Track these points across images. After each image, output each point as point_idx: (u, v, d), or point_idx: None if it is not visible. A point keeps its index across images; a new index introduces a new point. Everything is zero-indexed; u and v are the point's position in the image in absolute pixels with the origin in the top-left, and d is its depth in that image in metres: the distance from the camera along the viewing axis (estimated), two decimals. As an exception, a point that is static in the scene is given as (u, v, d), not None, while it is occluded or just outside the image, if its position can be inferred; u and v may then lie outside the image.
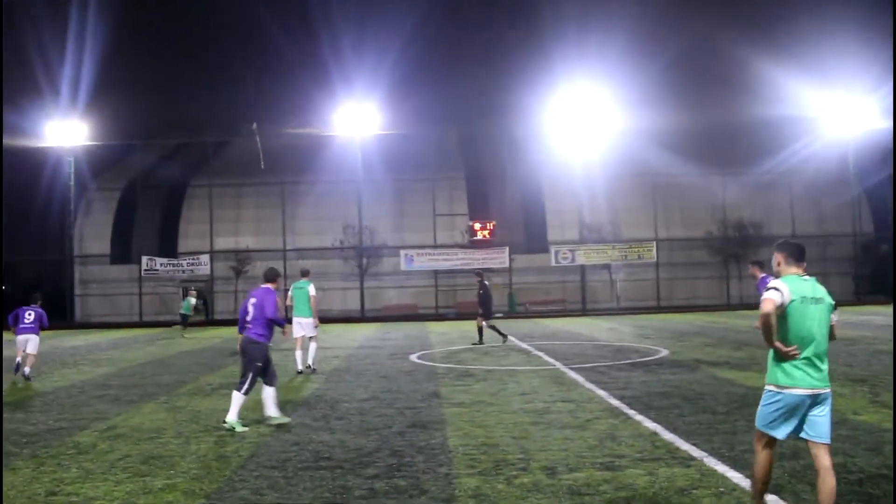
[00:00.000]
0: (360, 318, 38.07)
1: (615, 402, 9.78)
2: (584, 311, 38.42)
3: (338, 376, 13.69)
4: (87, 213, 42.70)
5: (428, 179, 40.65)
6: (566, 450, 7.21)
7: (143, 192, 42.87)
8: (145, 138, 42.83)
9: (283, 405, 10.33)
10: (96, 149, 40.98)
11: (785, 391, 4.77)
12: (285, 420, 9.03)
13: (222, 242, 41.82)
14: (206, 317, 40.49)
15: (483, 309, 19.66)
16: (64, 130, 39.40)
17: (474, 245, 40.11)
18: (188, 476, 6.58)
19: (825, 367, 4.80)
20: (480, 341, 19.59)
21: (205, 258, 40.77)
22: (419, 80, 38.38)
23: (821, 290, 4.89)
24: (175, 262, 40.96)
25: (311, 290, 14.26)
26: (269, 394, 9.05)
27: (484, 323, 19.62)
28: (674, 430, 7.92)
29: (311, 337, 14.49)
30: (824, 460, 4.74)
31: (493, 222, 40.37)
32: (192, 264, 40.76)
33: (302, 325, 14.36)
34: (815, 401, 4.75)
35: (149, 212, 43.67)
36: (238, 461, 7.09)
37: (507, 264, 39.59)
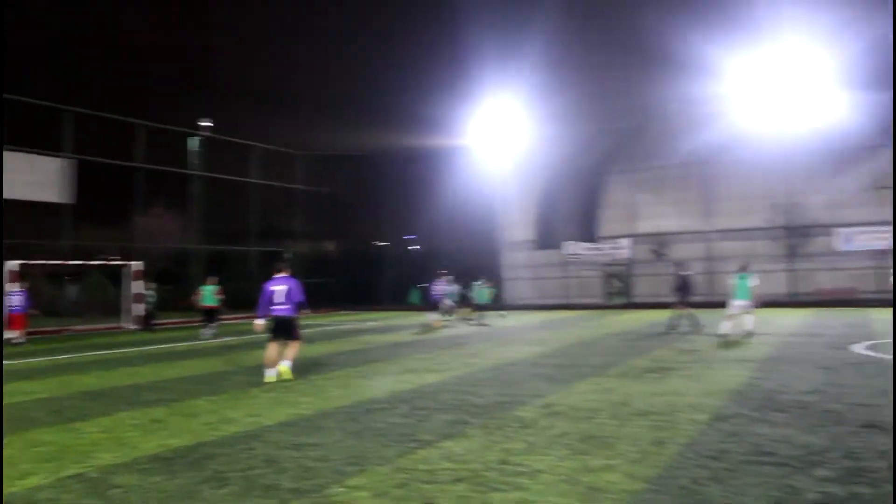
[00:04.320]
0: (789, 302, 35.53)
1: None
2: None
3: (771, 365, 12.82)
4: (513, 202, 45.69)
5: (866, 147, 36.30)
6: None
7: (564, 179, 44.69)
8: (566, 127, 44.48)
9: (711, 392, 9.97)
10: (520, 140, 43.53)
11: None
12: None
13: (642, 226, 42.04)
14: (625, 300, 41.04)
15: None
16: (492, 125, 42.55)
17: (936, 221, 34.97)
18: (626, 458, 6.57)
19: None
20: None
21: (626, 242, 41.34)
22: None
23: None
24: (597, 246, 42.16)
25: (754, 280, 18.63)
26: None
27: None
28: None
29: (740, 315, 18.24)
30: None
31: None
32: (614, 248, 41.61)
33: (741, 307, 18.35)
34: None
35: (570, 198, 45.45)
36: (674, 448, 6.90)
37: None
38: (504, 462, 6.55)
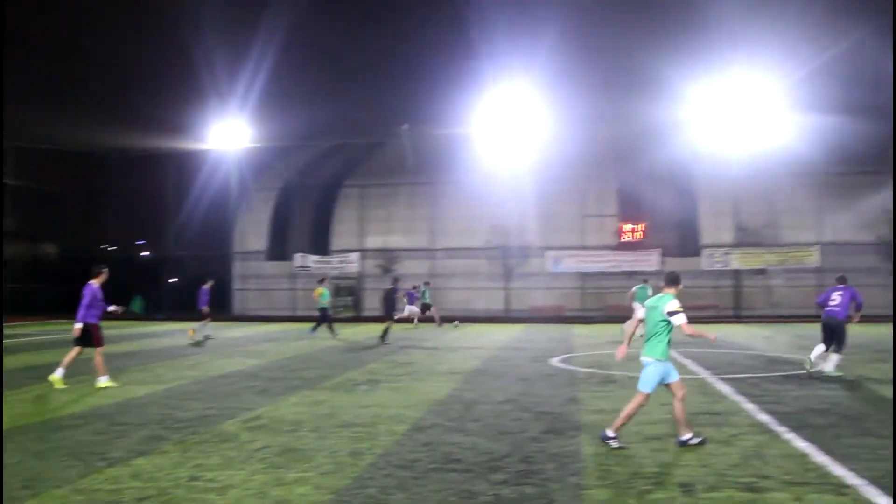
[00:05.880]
0: (505, 318, 38.05)
1: (764, 418, 9.20)
2: (737, 318, 36.75)
3: (476, 377, 13.65)
4: (247, 212, 44.82)
5: (579, 179, 39.92)
6: (706, 466, 6.83)
7: (298, 192, 44.63)
8: (301, 140, 44.37)
9: (414, 404, 10.43)
10: (256, 151, 42.87)
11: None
12: (837, 374, 13.42)
13: (372, 241, 42.94)
14: (353, 313, 41.64)
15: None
16: (227, 133, 41.45)
17: (624, 247, 39.24)
18: (320, 471, 6.69)
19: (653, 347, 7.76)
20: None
21: (355, 256, 41.99)
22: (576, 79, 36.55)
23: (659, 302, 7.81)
24: (327, 259, 42.45)
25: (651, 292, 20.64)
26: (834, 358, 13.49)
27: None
28: (828, 453, 7.28)
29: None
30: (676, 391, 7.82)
31: (644, 224, 39.35)
32: (343, 262, 42.11)
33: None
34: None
35: (303, 211, 45.45)
36: (370, 459, 7.16)
37: (657, 267, 38.46)
38: (195, 478, 6.42)
